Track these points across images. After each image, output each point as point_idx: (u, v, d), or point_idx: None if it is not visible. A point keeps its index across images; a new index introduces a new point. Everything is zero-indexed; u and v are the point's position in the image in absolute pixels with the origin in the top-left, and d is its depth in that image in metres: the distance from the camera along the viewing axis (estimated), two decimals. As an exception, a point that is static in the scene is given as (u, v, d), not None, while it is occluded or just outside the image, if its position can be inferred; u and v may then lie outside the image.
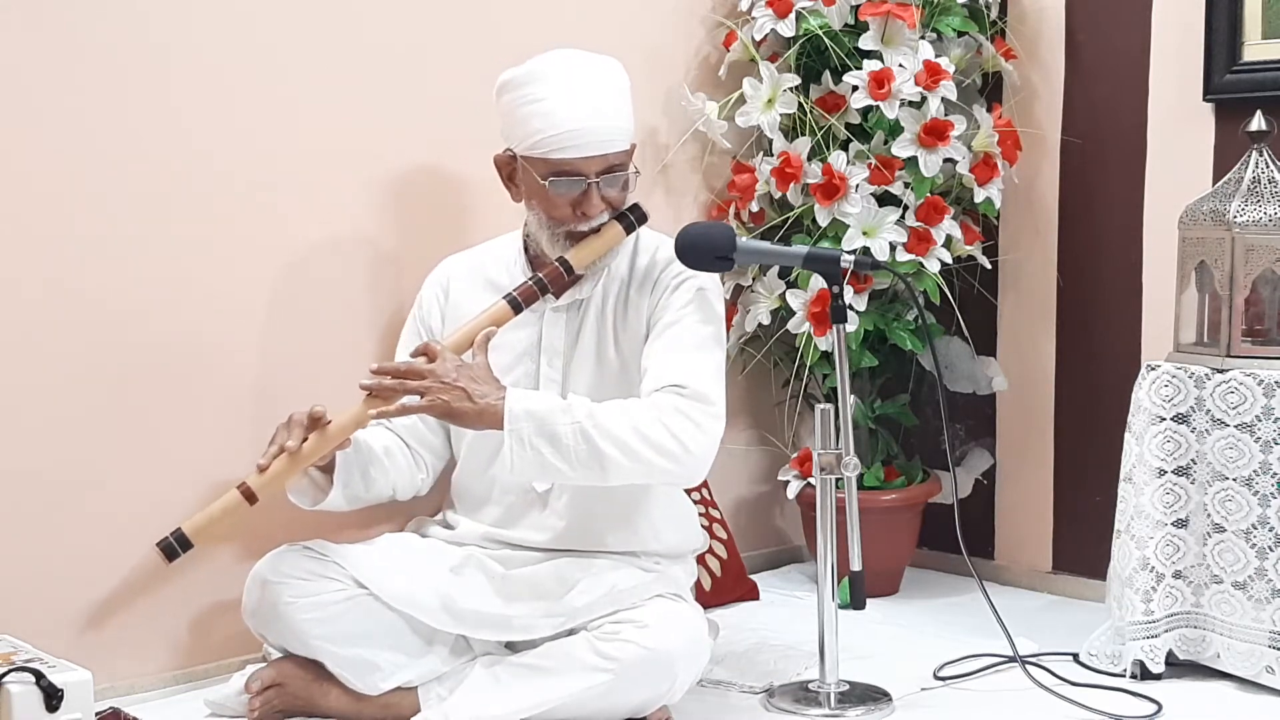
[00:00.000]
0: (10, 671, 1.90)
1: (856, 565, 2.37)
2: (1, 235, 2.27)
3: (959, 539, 2.52)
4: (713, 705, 2.43)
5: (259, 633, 2.36)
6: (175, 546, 2.23)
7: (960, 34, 3.05)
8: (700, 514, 2.88)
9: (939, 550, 3.24)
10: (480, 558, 2.40)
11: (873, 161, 2.92)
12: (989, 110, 3.03)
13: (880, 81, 2.88)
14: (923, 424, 3.30)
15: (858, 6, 2.96)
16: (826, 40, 2.96)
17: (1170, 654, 2.52)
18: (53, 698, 1.89)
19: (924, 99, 2.90)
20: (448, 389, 2.18)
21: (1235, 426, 2.44)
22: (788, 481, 3.11)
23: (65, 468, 2.35)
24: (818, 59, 3.05)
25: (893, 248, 2.90)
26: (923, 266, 2.92)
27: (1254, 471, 2.43)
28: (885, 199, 2.94)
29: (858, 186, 2.90)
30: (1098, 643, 2.60)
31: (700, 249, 2.33)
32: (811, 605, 2.47)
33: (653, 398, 2.25)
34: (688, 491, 2.61)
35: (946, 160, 2.94)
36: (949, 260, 2.96)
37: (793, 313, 2.97)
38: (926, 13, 3.00)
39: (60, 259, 2.34)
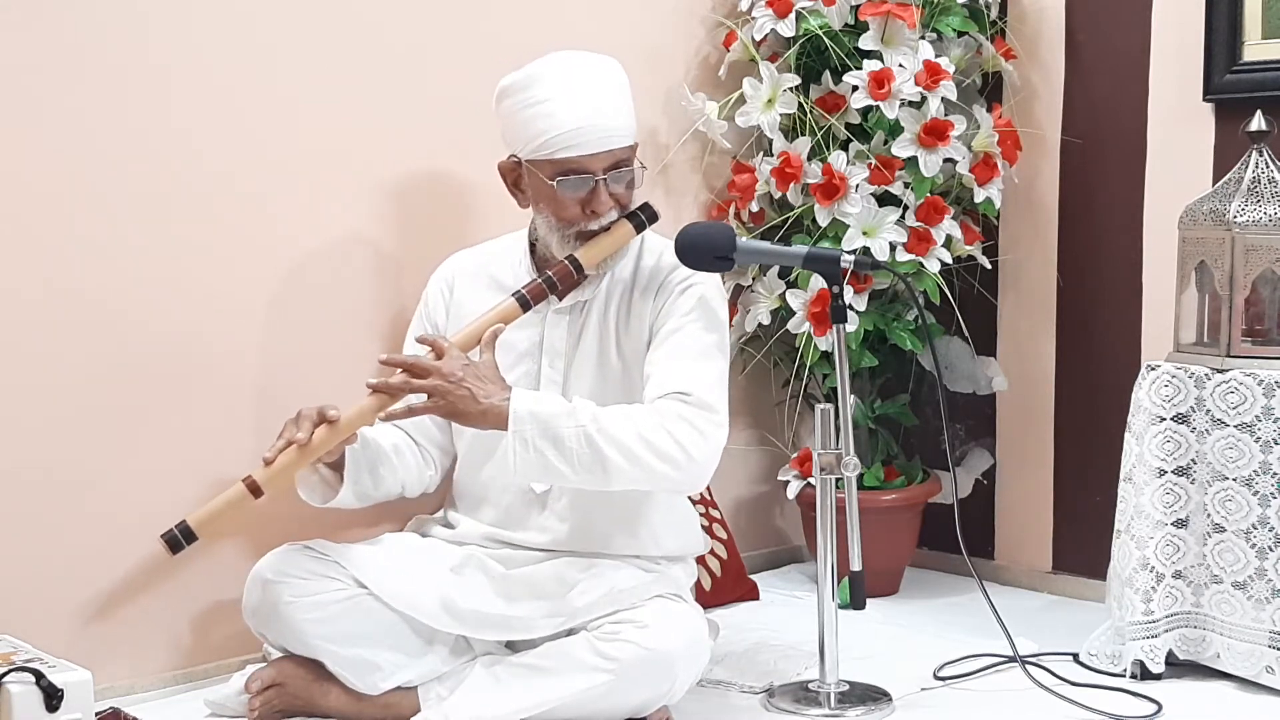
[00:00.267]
0: (10, 671, 1.90)
1: (856, 565, 2.36)
2: (1, 235, 2.27)
3: (959, 539, 2.52)
4: (713, 705, 2.43)
5: (259, 632, 2.36)
6: (180, 539, 2.23)
7: (960, 34, 3.05)
8: (700, 514, 2.88)
9: (939, 550, 3.23)
10: (481, 558, 2.40)
11: (873, 161, 2.92)
12: (989, 110, 3.03)
13: (880, 81, 2.88)
14: (923, 424, 3.30)
15: (858, 6, 2.96)
16: (826, 40, 2.96)
17: (1170, 654, 2.52)
18: (53, 698, 1.89)
19: (924, 99, 2.90)
20: (453, 388, 2.18)
21: (1235, 426, 2.44)
22: (788, 481, 3.11)
23: (65, 467, 2.35)
24: (818, 59, 3.05)
25: (893, 248, 2.90)
26: (923, 266, 2.92)
27: (1254, 471, 2.43)
28: (885, 199, 2.94)
29: (858, 186, 2.90)
30: (1098, 643, 2.60)
31: (700, 249, 2.33)
32: (811, 605, 2.47)
33: (657, 404, 2.24)
34: (688, 493, 2.61)
35: (946, 160, 2.94)
36: (949, 260, 2.96)
37: (793, 313, 2.97)
38: (926, 13, 3.00)
39: (60, 259, 2.34)
